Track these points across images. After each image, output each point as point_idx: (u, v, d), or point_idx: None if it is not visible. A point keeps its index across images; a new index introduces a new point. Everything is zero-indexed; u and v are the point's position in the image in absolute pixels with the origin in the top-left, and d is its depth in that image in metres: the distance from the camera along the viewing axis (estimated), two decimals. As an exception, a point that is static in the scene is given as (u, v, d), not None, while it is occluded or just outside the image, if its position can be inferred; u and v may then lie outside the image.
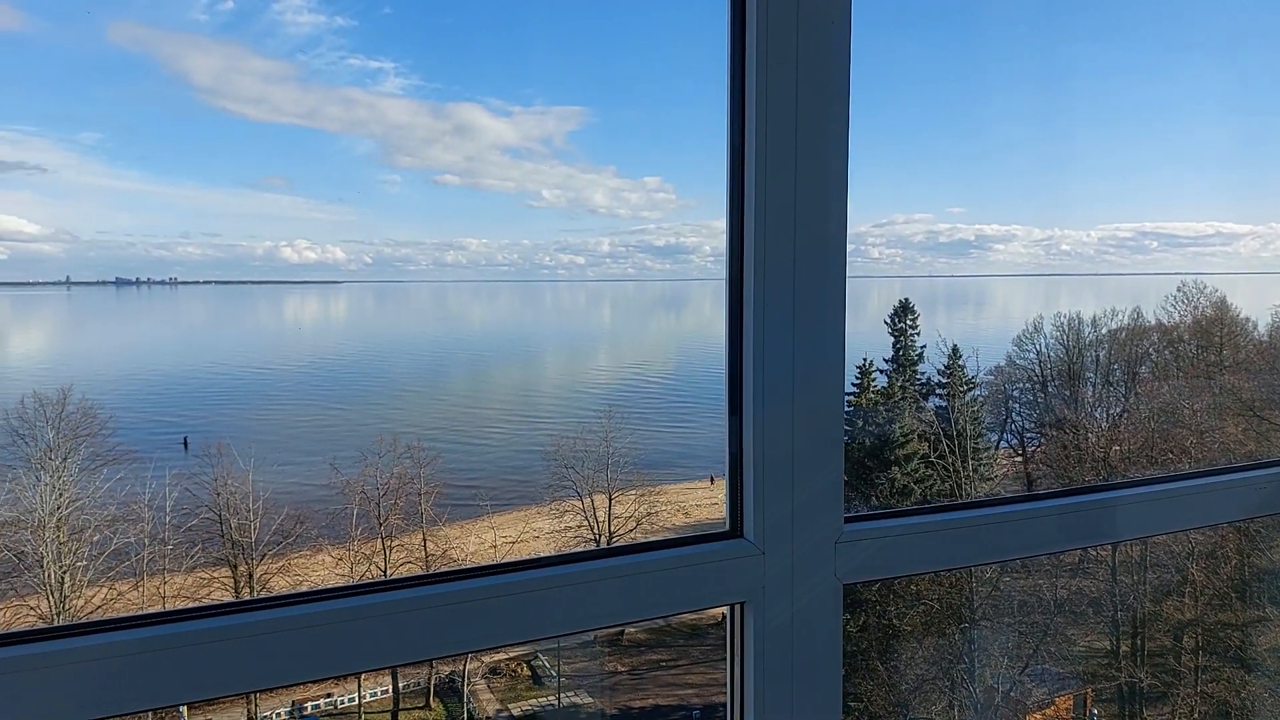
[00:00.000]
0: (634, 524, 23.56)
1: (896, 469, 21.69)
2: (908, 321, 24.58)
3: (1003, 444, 26.84)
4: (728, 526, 1.69)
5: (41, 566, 18.59)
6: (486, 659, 20.47)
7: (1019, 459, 26.61)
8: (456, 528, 23.25)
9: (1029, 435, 27.26)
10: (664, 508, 24.54)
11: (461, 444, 29.33)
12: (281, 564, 20.76)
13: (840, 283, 1.64)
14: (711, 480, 27.87)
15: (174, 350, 47.74)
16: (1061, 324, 26.83)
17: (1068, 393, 26.25)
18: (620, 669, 20.70)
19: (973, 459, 22.52)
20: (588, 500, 23.80)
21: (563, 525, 23.80)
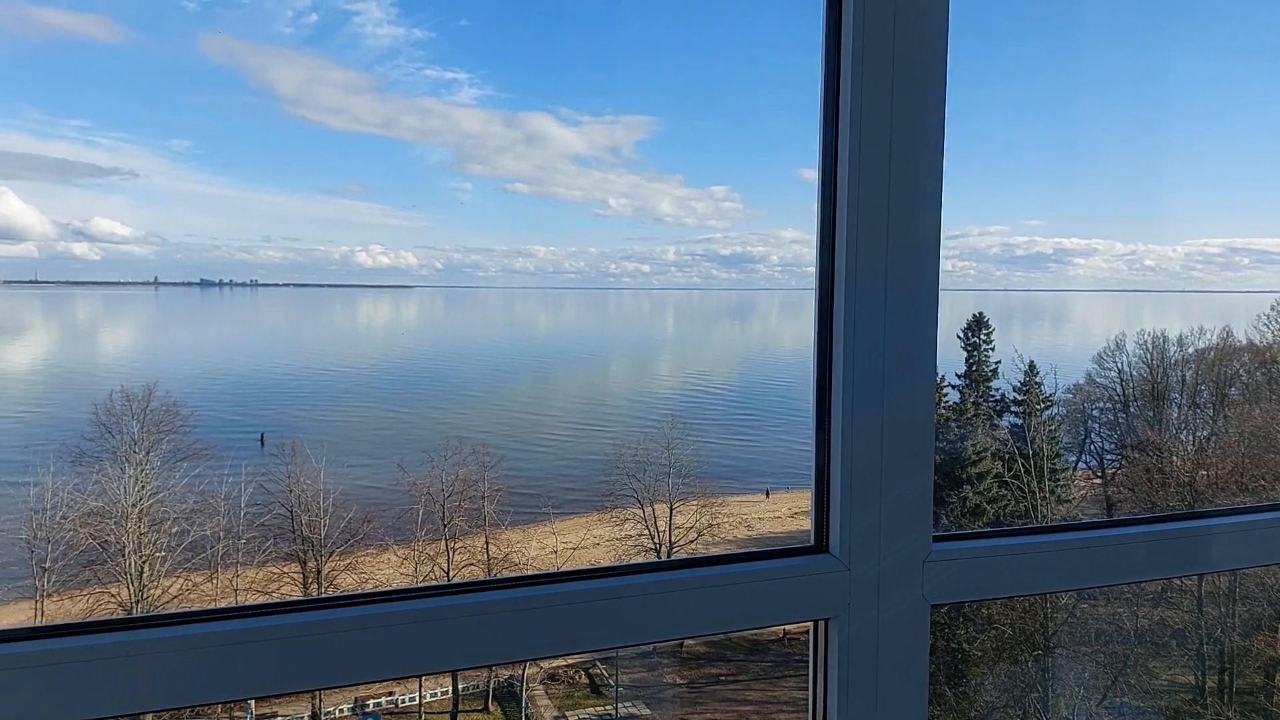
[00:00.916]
0: (695, 535, 23.42)
1: (968, 487, 21.14)
2: (981, 336, 23.99)
3: (1081, 465, 25.99)
4: (812, 541, 1.66)
5: (123, 556, 19.32)
6: (545, 665, 20.55)
7: (1098, 481, 25.71)
8: (518, 531, 23.44)
9: (1109, 457, 26.34)
10: (726, 520, 24.33)
11: (525, 448, 29.63)
12: (349, 561, 21.16)
13: (933, 293, 1.60)
14: (767, 494, 27.57)
15: (253, 350, 49.40)
16: (1145, 342, 25.90)
17: (1151, 414, 25.30)
18: (679, 681, 20.57)
19: (1049, 480, 21.81)
20: (648, 509, 23.74)
21: (623, 533, 23.79)
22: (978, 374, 23.64)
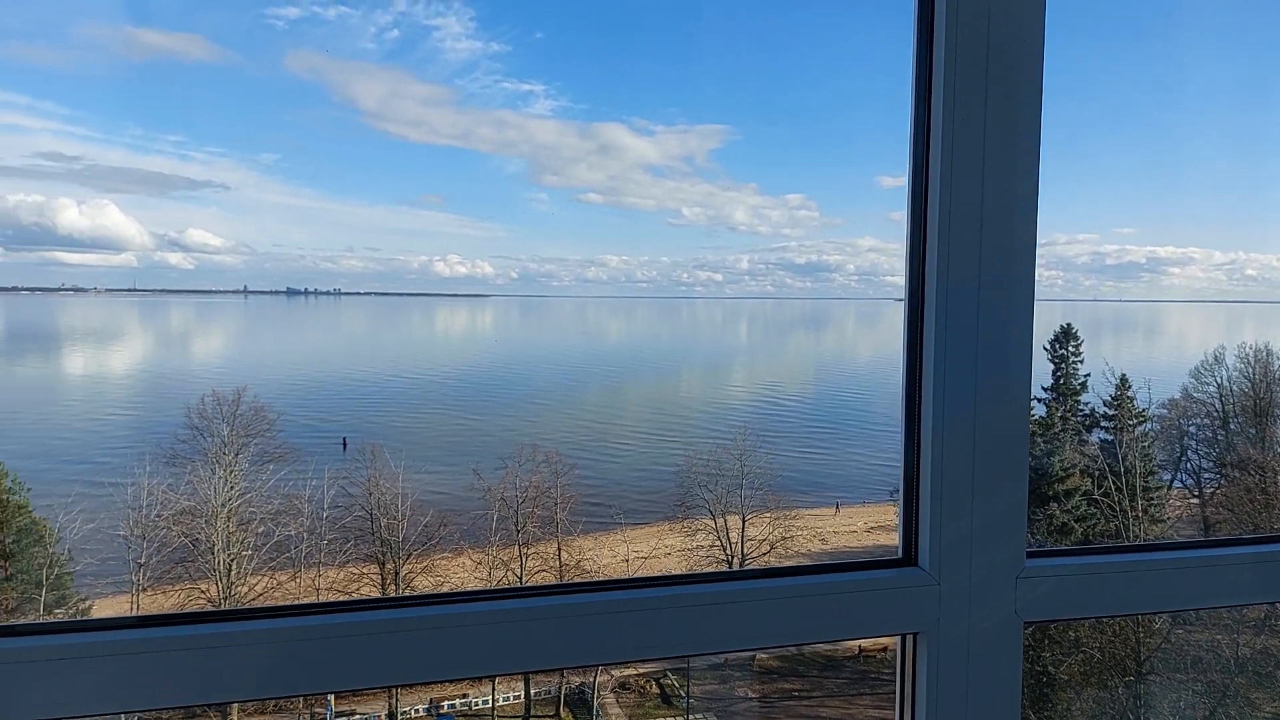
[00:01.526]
0: (768, 547, 23.15)
1: (1055, 505, 20.38)
2: (1070, 348, 23.18)
3: (1176, 483, 24.82)
4: (900, 553, 1.62)
5: (213, 554, 20.07)
6: (616, 673, 20.57)
7: (1195, 501, 24.50)
8: (590, 539, 23.56)
9: (1207, 475, 25.09)
10: (799, 533, 24.00)
11: (597, 456, 29.80)
12: (425, 564, 21.56)
13: (1028, 302, 1.55)
14: (837, 508, 27.10)
15: (336, 357, 51.03)
16: (1247, 355, 24.63)
17: (1253, 431, 24.03)
18: (751, 695, 20.35)
19: (1142, 498, 20.87)
20: (720, 520, 23.58)
21: (694, 544, 23.69)
22: (1066, 387, 22.83)
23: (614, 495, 25.69)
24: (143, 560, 19.55)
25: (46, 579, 19.03)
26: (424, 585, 21.04)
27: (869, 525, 26.82)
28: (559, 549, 22.31)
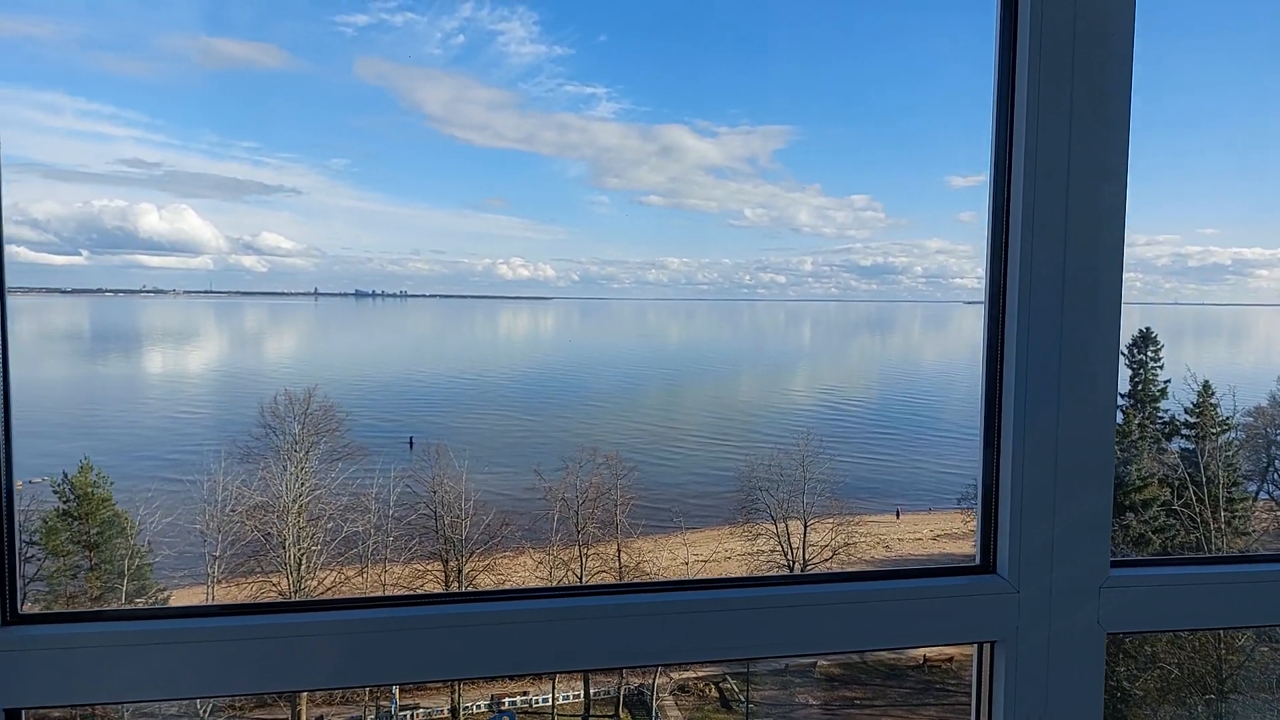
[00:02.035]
0: (830, 553, 22.84)
1: (1131, 515, 19.66)
2: (1149, 353, 22.36)
3: (1263, 495, 23.71)
4: (978, 560, 1.60)
5: (284, 548, 20.63)
6: (675, 675, 20.54)
7: (1284, 512, 23.40)
8: (650, 541, 23.57)
9: (1297, 486, 23.94)
10: (862, 539, 23.65)
11: (656, 459, 29.80)
12: (487, 562, 21.82)
13: (1115, 306, 1.51)
14: (897, 515, 26.59)
15: (403, 357, 52.08)
16: (1342, 362, 23.40)
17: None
18: (811, 702, 20.11)
19: (1225, 509, 19.98)
20: (781, 525, 23.36)
21: (755, 548, 23.50)
22: (1144, 394, 22.03)
23: (674, 498, 25.66)
24: (217, 553, 20.15)
25: (128, 569, 19.76)
26: (486, 583, 21.28)
27: (935, 532, 26.26)
28: (619, 550, 22.36)
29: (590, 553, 22.16)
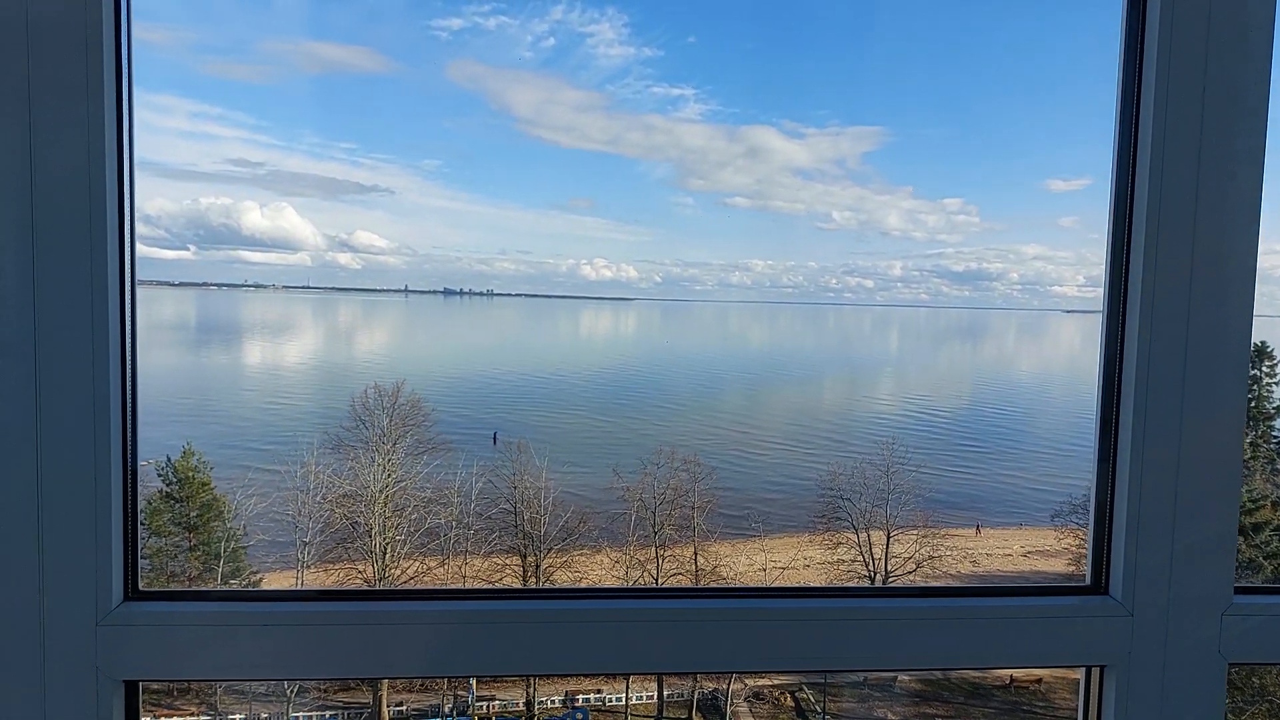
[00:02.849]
0: (914, 566, 22.29)
1: (1241, 539, 18.64)
2: (1263, 369, 21.18)
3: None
4: (1088, 580, 1.53)
5: (370, 537, 21.27)
6: (750, 682, 20.36)
7: None
8: (727, 545, 23.42)
9: None
10: (948, 553, 23.00)
11: (736, 463, 29.59)
12: (565, 559, 22.04)
13: (1245, 316, 1.43)
14: (978, 529, 25.72)
15: (488, 354, 53.12)
16: None
17: None
18: (890, 717, 19.65)
19: (1343, 537, 18.82)
20: (863, 535, 22.91)
21: (835, 557, 23.11)
22: (1257, 411, 20.89)
23: (753, 503, 25.43)
24: (308, 539, 20.89)
25: (224, 551, 20.69)
26: (563, 580, 21.52)
27: (1025, 549, 25.34)
28: (695, 553, 22.30)
29: (666, 554, 22.16)
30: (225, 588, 19.25)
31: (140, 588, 1.33)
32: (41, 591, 1.25)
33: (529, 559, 21.86)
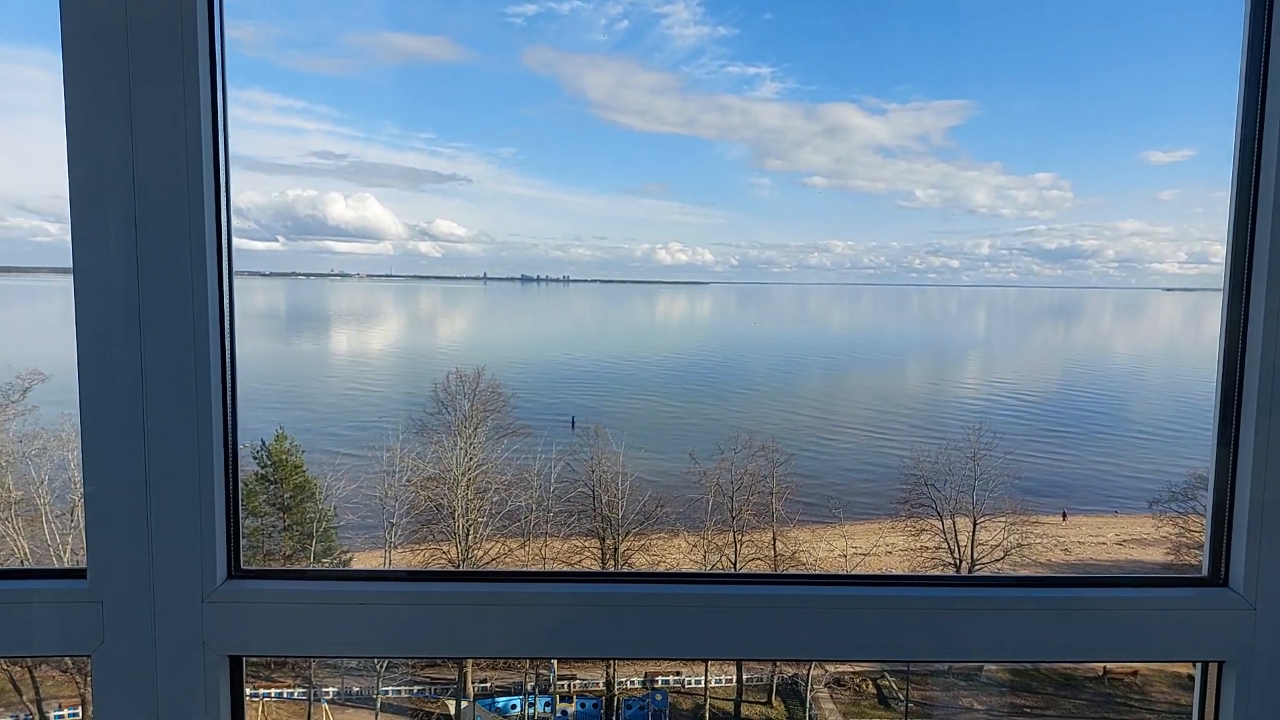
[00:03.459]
0: (1001, 554, 21.68)
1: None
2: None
3: None
4: (1207, 571, 1.45)
5: (453, 518, 21.80)
6: (831, 668, 20.20)
7: None
8: (807, 531, 23.23)
9: None
10: (1038, 540, 22.31)
11: (815, 448, 29.28)
12: (642, 543, 22.19)
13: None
14: (1064, 516, 24.80)
15: (565, 340, 53.73)
16: None
17: None
18: (976, 707, 19.24)
19: None
20: (948, 521, 22.40)
21: (919, 544, 22.67)
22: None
23: (833, 488, 25.12)
24: (394, 520, 21.53)
25: (316, 531, 21.50)
26: (640, 563, 21.68)
27: (1120, 538, 24.41)
28: (774, 538, 22.18)
29: (745, 539, 22.10)
30: (321, 567, 20.02)
31: (242, 566, 1.38)
32: (151, 570, 1.30)
33: (607, 542, 22.08)
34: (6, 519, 19.44)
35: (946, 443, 24.73)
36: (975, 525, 22.18)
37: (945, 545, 22.29)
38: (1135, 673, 18.41)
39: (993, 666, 18.75)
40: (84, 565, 1.32)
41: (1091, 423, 33.43)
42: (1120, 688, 18.77)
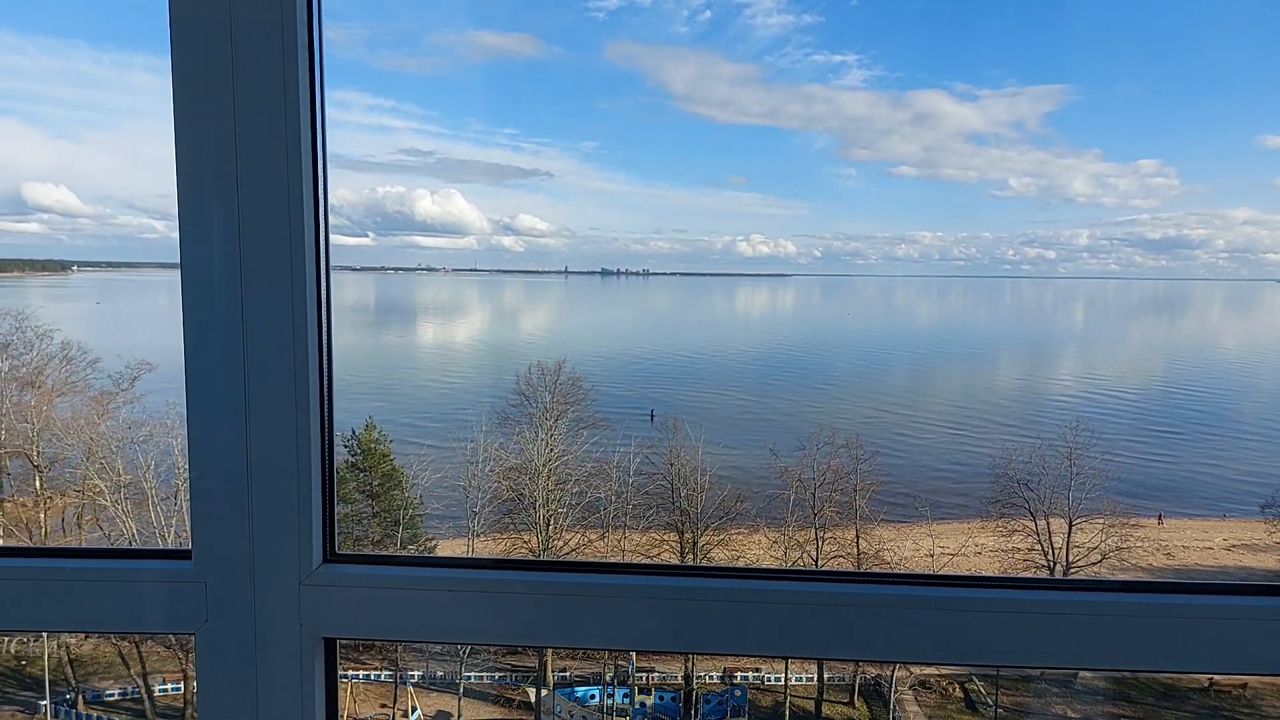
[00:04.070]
0: (1099, 557, 20.79)
1: None
2: None
3: None
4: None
5: (534, 509, 22.13)
6: (917, 670, 19.76)
7: None
8: (891, 529, 22.76)
9: None
10: (1138, 544, 21.34)
11: (901, 444, 28.63)
12: (722, 537, 22.10)
13: None
14: (1160, 519, 23.59)
15: (645, 333, 53.86)
16: None
17: None
18: (1070, 715, 18.56)
19: None
20: (1042, 522, 21.61)
21: (1010, 545, 21.93)
22: None
23: (919, 486, 24.52)
24: (477, 509, 21.98)
25: (403, 518, 22.12)
26: (719, 558, 21.60)
27: (1229, 543, 23.17)
28: (857, 536, 21.80)
29: (826, 536, 21.80)
30: (411, 553, 20.61)
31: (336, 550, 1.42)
32: (252, 552, 1.35)
33: (686, 535, 22.07)
34: (117, 501, 20.62)
35: (1040, 441, 23.87)
36: (1071, 526, 21.34)
37: (1038, 547, 21.53)
38: (1245, 685, 17.48)
39: (1089, 674, 18.04)
40: (187, 547, 1.38)
41: (1196, 422, 31.78)
42: (1228, 700, 17.83)
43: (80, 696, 18.97)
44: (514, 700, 19.88)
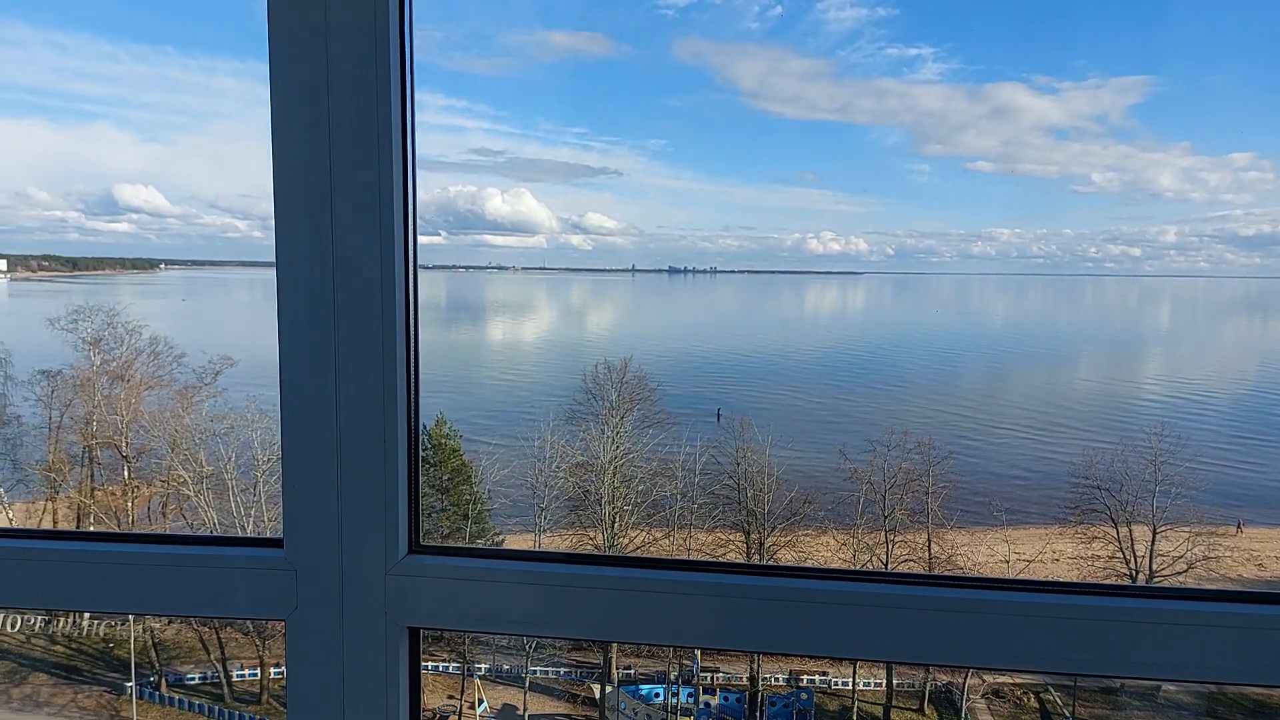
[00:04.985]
0: (1185, 566, 19.96)
1: None
2: None
3: None
4: None
5: (599, 505, 22.28)
6: (989, 678, 19.27)
7: None
8: (965, 533, 22.22)
9: None
10: (1228, 554, 20.42)
11: (976, 447, 27.94)
12: (789, 538, 21.91)
13: None
14: (1239, 527, 22.43)
15: (711, 332, 53.62)
16: None
17: None
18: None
19: None
20: (1123, 529, 20.84)
21: (1090, 552, 21.19)
22: None
23: (995, 490, 23.87)
24: (544, 505, 22.23)
25: (471, 513, 22.49)
26: (786, 559, 21.43)
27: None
28: (929, 540, 21.38)
29: (897, 540, 21.42)
30: (491, 546, 20.95)
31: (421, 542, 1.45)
32: (341, 542, 1.39)
33: (752, 535, 21.96)
34: (200, 491, 21.48)
35: (1122, 445, 23.00)
36: (1155, 534, 20.53)
37: (1120, 554, 20.78)
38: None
39: (1172, 687, 17.32)
40: (268, 536, 1.43)
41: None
42: (1324, 721, 16.95)
43: (163, 679, 19.82)
44: (579, 696, 20.04)
